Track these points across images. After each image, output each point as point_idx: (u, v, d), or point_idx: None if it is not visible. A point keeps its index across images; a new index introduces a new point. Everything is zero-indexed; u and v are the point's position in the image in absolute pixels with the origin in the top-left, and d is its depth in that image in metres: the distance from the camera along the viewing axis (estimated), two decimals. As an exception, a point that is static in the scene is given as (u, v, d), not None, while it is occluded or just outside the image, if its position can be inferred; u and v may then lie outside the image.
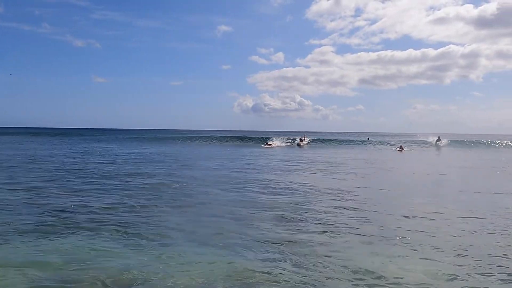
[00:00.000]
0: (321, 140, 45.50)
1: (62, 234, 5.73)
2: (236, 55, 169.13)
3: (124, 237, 5.62)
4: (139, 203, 8.04)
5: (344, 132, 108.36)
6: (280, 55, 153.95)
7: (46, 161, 16.75)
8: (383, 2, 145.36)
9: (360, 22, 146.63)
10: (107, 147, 30.01)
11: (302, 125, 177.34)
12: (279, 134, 48.47)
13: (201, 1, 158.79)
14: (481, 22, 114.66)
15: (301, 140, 41.95)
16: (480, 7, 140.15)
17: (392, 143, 41.23)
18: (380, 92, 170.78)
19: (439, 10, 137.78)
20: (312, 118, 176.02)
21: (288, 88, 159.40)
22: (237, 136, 47.00)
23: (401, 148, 34.94)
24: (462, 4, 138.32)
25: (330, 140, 46.27)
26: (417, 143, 41.68)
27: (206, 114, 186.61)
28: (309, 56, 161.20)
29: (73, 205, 7.66)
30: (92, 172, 13.11)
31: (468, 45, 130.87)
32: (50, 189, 9.59)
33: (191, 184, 10.71)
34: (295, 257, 4.71)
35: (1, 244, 5.26)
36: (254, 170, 14.74)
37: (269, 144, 37.99)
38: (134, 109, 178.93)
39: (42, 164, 15.48)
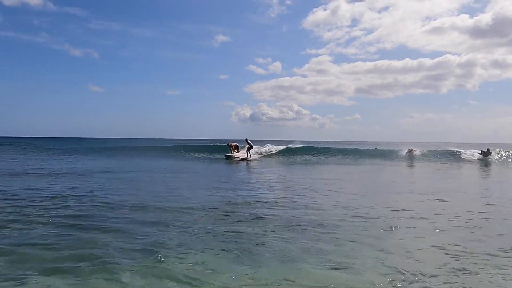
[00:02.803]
0: (316, 149, 33.98)
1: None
2: (234, 64, 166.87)
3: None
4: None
5: (341, 141, 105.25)
6: (278, 65, 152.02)
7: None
8: (379, 13, 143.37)
9: (356, 32, 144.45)
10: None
11: (299, 134, 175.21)
12: (275, 143, 45.01)
13: (199, 11, 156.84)
14: (477, 32, 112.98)
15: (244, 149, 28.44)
16: (475, 17, 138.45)
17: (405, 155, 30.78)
18: (377, 101, 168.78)
19: (434, 20, 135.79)
20: (309, 127, 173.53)
21: (285, 97, 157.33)
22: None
23: (411, 151, 30.70)
24: (458, 15, 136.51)
25: (331, 149, 34.56)
26: (448, 156, 30.73)
27: (203, 123, 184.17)
28: (306, 66, 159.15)
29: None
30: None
31: (464, 55, 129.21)
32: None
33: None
34: None
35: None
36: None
37: (232, 147, 28.89)
38: (130, 118, 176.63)
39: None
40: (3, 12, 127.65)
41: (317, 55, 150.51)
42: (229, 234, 6.24)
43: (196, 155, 32.89)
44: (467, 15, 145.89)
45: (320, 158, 30.12)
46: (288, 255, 5.21)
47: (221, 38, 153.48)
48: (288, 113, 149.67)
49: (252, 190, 11.75)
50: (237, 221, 7.25)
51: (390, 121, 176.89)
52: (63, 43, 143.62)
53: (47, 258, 4.97)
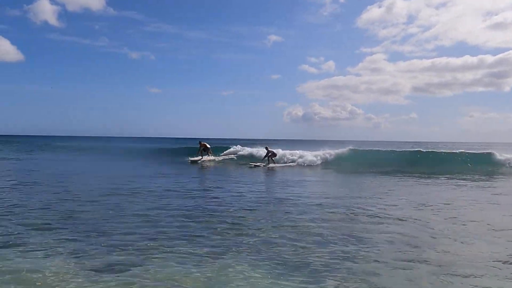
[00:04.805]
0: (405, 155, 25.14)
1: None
2: (286, 64, 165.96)
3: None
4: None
5: (398, 141, 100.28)
6: (331, 64, 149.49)
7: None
8: (437, 9, 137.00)
9: (413, 29, 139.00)
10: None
11: (352, 133, 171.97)
12: (328, 143, 43.21)
13: (251, 12, 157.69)
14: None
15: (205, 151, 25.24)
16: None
17: None
18: (434, 100, 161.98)
19: (496, 15, 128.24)
20: (363, 127, 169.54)
21: (338, 97, 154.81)
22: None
23: None
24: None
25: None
26: None
27: (256, 123, 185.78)
28: (360, 64, 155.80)
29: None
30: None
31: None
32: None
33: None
34: None
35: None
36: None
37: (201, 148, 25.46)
38: (186, 119, 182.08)
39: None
40: (67, 18, 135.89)
41: (371, 54, 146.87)
42: None
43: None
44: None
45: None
46: None
47: (273, 38, 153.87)
48: (341, 113, 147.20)
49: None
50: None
51: (448, 120, 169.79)
52: (122, 46, 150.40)
53: None
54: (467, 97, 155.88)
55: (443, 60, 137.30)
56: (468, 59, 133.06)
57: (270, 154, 23.98)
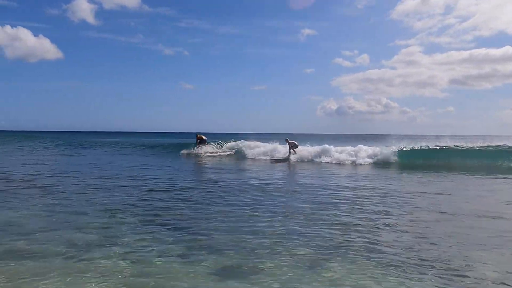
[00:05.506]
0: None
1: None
2: (320, 58, 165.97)
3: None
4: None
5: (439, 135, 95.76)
6: (365, 57, 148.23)
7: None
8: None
9: (450, 20, 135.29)
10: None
11: (387, 127, 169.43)
12: (363, 137, 41.74)
13: (283, 6, 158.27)
14: None
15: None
16: None
17: None
18: (473, 93, 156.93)
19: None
20: (399, 121, 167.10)
21: (373, 91, 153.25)
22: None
23: None
24: None
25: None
26: None
27: (289, 117, 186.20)
28: (395, 57, 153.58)
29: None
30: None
31: None
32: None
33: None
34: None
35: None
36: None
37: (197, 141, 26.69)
38: (218, 114, 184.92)
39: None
40: (104, 15, 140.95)
41: (406, 46, 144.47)
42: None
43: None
44: None
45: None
46: None
47: (307, 32, 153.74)
48: (376, 107, 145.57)
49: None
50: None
51: (487, 114, 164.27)
52: (156, 43, 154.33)
53: None
54: (508, 89, 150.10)
55: (482, 51, 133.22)
56: (509, 49, 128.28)
57: (291, 145, 23.39)
